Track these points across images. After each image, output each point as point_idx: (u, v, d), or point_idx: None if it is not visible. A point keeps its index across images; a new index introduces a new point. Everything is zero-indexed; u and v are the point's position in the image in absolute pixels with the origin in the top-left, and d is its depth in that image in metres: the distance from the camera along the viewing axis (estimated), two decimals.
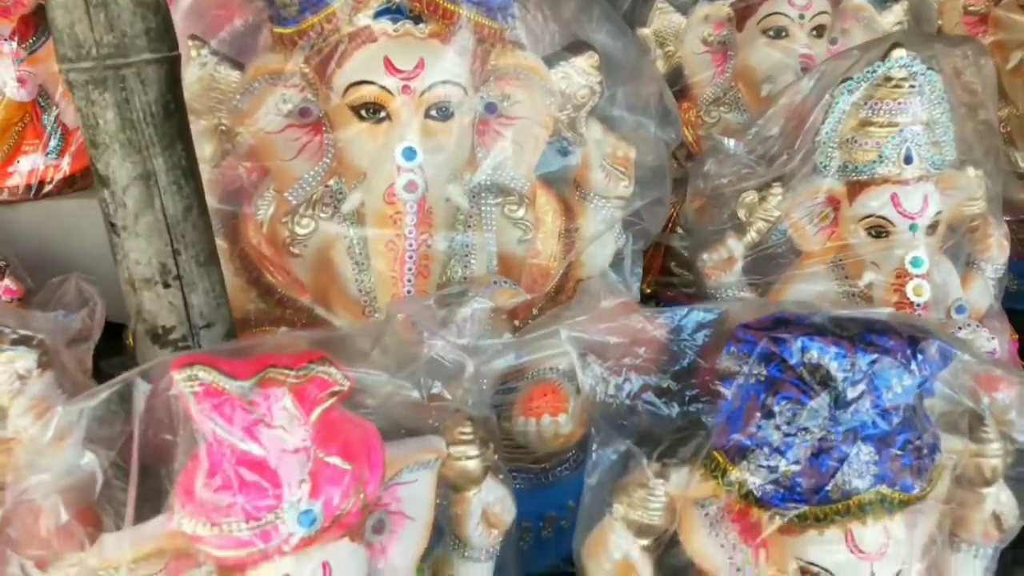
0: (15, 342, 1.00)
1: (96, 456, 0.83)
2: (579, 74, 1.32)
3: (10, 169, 1.84)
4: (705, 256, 1.47)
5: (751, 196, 1.43)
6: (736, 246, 1.44)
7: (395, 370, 0.96)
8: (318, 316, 1.32)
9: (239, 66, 1.22)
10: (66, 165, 1.87)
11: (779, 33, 1.86)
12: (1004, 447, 1.01)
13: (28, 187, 1.85)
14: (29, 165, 1.85)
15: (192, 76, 1.20)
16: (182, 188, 1.03)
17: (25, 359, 1.00)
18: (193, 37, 1.21)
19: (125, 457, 0.87)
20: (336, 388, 0.92)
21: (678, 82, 1.89)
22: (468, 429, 0.98)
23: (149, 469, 0.87)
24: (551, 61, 1.32)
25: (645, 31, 1.90)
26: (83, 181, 1.90)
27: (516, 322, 1.37)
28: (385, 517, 0.98)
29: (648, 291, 1.83)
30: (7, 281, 1.76)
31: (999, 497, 1.03)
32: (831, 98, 1.41)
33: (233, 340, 1.13)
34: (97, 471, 0.83)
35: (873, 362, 0.91)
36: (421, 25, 1.18)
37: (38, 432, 0.83)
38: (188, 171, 1.03)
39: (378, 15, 1.17)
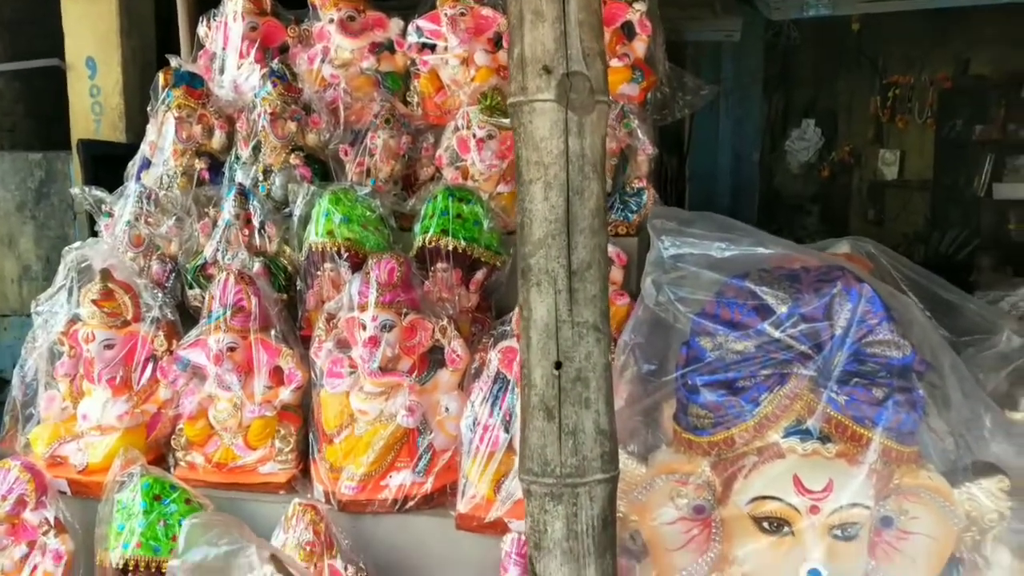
0: None
1: None
2: (987, 497, 1.26)
3: (383, 483, 2.07)
4: None
5: None
6: None
7: None
8: None
9: (644, 461, 1.33)
10: (429, 484, 2.07)
11: None
12: None
13: (395, 501, 2.06)
14: (399, 481, 2.07)
15: None
16: None
17: None
18: None
19: None
20: None
21: None
22: None
23: None
24: (955, 479, 1.28)
25: (1018, 415, 1.80)
26: (439, 499, 2.08)
27: None
28: None
29: None
30: None
31: None
32: None
33: None
34: None
35: None
36: (829, 445, 1.22)
37: None
38: None
39: (788, 434, 1.23)
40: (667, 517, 1.30)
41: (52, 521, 2.02)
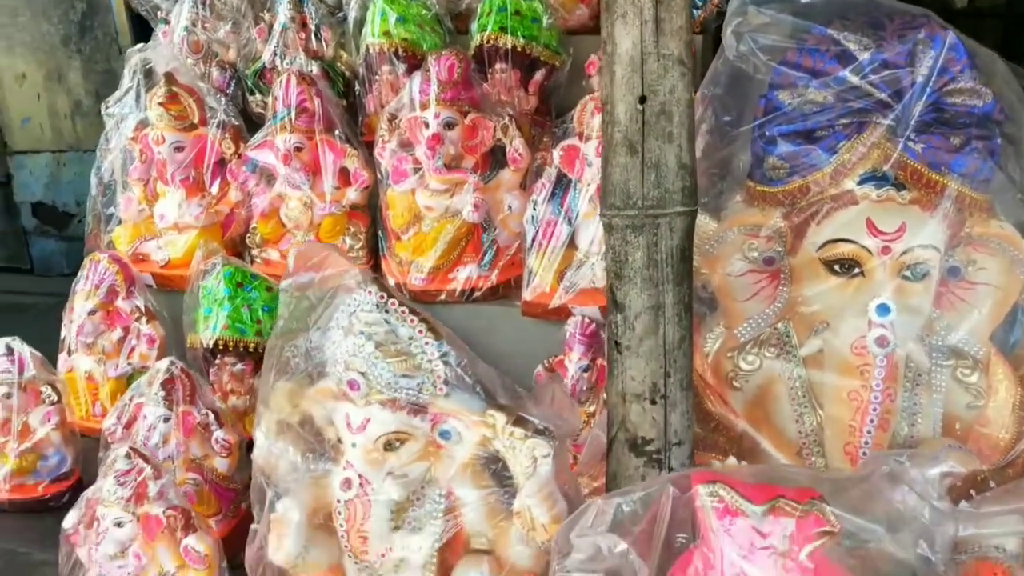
0: (537, 431, 1.18)
1: (623, 543, 0.95)
2: None
3: (451, 276, 2.17)
4: None
5: None
6: None
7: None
8: (747, 448, 1.38)
9: (716, 216, 1.37)
10: (494, 277, 2.16)
11: None
12: None
13: (463, 292, 2.16)
14: (466, 274, 2.17)
15: None
16: (682, 320, 1.17)
17: (543, 447, 1.17)
18: None
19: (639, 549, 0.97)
20: (828, 528, 0.97)
21: None
22: None
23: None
24: None
25: None
26: (504, 292, 2.18)
27: None
28: None
29: None
30: None
31: None
32: None
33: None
34: (629, 557, 0.94)
35: None
36: (904, 192, 1.25)
37: (575, 517, 0.98)
38: (687, 306, 1.17)
39: (863, 181, 1.25)
40: (737, 269, 1.35)
41: (143, 308, 2.16)
